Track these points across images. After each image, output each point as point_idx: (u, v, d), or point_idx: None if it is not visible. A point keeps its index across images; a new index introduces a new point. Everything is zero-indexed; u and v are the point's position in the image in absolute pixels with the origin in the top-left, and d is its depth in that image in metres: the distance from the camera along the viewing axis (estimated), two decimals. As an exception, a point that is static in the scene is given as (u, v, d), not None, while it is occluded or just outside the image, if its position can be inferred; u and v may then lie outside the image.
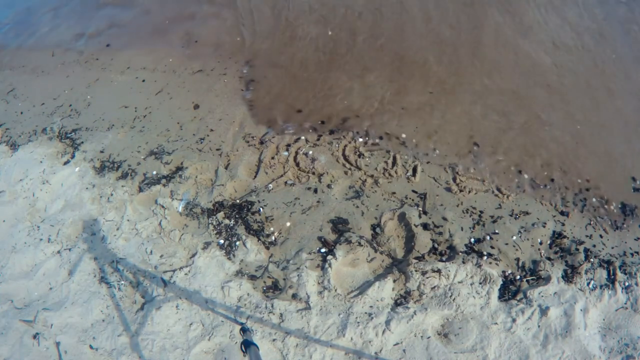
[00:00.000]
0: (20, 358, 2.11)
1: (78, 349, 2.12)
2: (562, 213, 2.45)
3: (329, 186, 2.64)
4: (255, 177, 2.75)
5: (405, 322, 2.03)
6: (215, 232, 2.48)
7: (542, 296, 2.10)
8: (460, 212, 2.47)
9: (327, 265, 2.24)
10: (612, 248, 2.31)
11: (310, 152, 2.84)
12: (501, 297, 2.13)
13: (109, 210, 2.69)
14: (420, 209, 2.48)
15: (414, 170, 2.68)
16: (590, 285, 2.14)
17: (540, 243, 2.32)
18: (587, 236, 2.35)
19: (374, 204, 2.53)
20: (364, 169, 2.72)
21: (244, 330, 1.70)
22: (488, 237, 2.34)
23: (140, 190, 2.77)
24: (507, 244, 2.31)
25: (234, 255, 2.38)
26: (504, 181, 2.62)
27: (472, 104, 3.04)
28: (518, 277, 2.20)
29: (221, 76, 3.55)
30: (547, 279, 2.16)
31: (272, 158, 2.84)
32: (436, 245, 2.32)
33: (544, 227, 2.37)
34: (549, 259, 2.26)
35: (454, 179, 2.63)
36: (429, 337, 2.01)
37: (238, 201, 2.63)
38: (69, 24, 4.75)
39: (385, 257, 2.31)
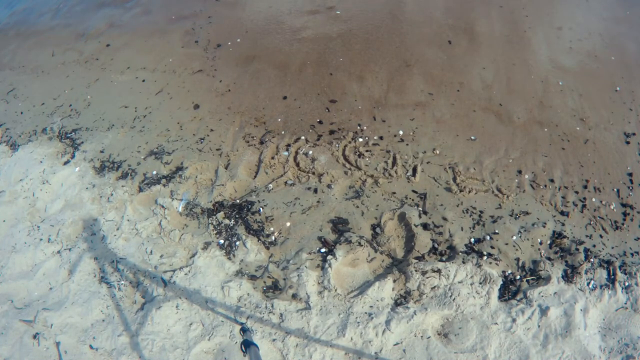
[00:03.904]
0: (20, 358, 2.10)
1: (78, 349, 2.12)
2: (562, 213, 2.45)
3: (329, 186, 2.64)
4: (255, 177, 2.75)
5: (405, 322, 2.03)
6: (215, 232, 2.48)
7: (542, 296, 2.09)
8: (460, 212, 2.47)
9: (327, 265, 2.24)
10: (612, 248, 2.31)
11: (310, 152, 2.84)
12: (501, 297, 2.13)
13: (109, 210, 2.69)
14: (420, 209, 2.48)
15: (414, 170, 2.68)
16: (590, 285, 2.14)
17: (540, 243, 2.32)
18: (587, 236, 2.35)
19: (374, 204, 2.53)
20: (364, 169, 2.72)
21: (244, 330, 1.70)
22: (488, 237, 2.34)
23: (140, 190, 2.77)
24: (507, 244, 2.31)
25: (234, 255, 2.38)
26: (504, 180, 2.62)
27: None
28: (518, 277, 2.20)
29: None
30: (547, 279, 2.16)
31: (272, 158, 2.84)
32: (436, 245, 2.32)
33: (544, 227, 2.37)
34: (549, 259, 2.26)
35: (454, 179, 2.63)
36: (429, 337, 2.01)
37: (238, 201, 2.63)
38: (69, 23, 4.76)
39: (385, 257, 2.31)
